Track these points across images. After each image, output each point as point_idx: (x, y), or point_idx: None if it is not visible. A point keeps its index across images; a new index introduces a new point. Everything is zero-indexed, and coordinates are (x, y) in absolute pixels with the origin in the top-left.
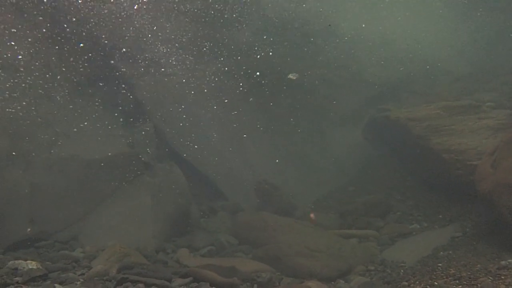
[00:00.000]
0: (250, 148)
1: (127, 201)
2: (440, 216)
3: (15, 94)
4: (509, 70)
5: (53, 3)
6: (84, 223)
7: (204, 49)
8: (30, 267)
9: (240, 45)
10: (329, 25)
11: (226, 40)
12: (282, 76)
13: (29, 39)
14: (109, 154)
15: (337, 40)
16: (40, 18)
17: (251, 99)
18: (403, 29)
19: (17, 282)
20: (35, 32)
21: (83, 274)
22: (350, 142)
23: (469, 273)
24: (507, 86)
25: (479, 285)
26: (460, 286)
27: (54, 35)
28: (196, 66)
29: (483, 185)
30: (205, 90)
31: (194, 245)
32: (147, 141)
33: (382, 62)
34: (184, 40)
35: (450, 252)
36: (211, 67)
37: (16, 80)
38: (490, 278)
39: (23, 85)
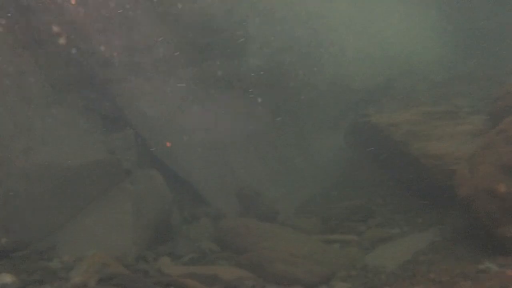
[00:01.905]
0: (231, 153)
1: (107, 209)
2: (420, 220)
3: None
4: (486, 76)
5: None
6: (62, 231)
7: (187, 53)
8: (5, 280)
9: (222, 49)
10: None
11: (209, 45)
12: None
13: (4, 43)
14: (88, 160)
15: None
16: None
17: (232, 103)
18: (383, 35)
19: None
20: (10, 35)
21: (60, 286)
22: (332, 147)
23: (448, 278)
24: (484, 91)
25: None
26: None
27: (30, 39)
28: (178, 71)
29: (461, 190)
30: (187, 95)
31: (175, 252)
32: (128, 147)
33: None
34: (166, 44)
35: (430, 256)
36: (192, 71)
37: None
38: (469, 281)
39: None
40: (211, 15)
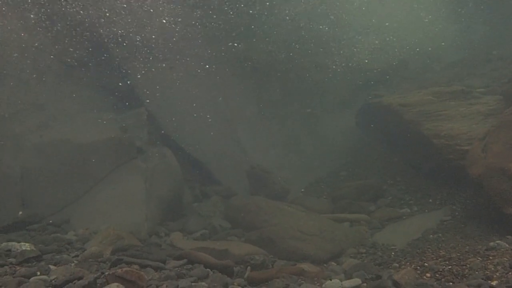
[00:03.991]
0: (242, 132)
1: (120, 185)
2: (430, 200)
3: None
4: (499, 56)
5: None
6: (76, 206)
7: (198, 33)
8: (24, 248)
9: (233, 30)
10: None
11: (220, 25)
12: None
13: (20, 21)
14: (101, 138)
15: (331, 27)
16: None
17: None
18: (396, 15)
19: (11, 263)
20: (25, 13)
21: (77, 255)
22: (343, 127)
23: (458, 254)
24: (497, 72)
25: (468, 265)
26: (450, 267)
27: (45, 17)
28: (189, 51)
29: (473, 169)
30: (198, 75)
31: (187, 229)
32: (140, 125)
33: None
34: (177, 24)
35: (440, 234)
36: (204, 51)
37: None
38: (479, 258)
39: (13, 67)
40: None
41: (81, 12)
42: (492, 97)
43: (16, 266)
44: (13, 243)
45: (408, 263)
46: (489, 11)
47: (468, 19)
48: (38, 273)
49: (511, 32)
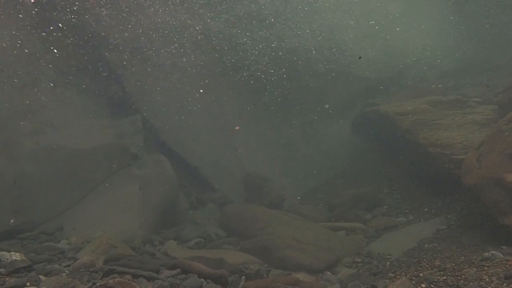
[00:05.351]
0: (239, 140)
1: (114, 192)
2: (426, 209)
3: None
4: (495, 66)
5: None
6: (70, 214)
7: (193, 40)
8: (14, 258)
9: (229, 37)
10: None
11: (216, 32)
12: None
13: (14, 27)
14: (96, 144)
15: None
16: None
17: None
18: (393, 24)
19: (1, 274)
20: (20, 20)
21: (68, 265)
22: (339, 135)
23: (453, 265)
24: (493, 82)
25: (463, 276)
26: (444, 277)
27: (40, 23)
28: (186, 58)
29: (468, 179)
30: (195, 82)
31: (182, 237)
32: (135, 132)
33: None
34: (172, 31)
35: (435, 244)
36: (200, 58)
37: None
38: (474, 269)
39: (8, 73)
40: None
41: (77, 18)
42: (487, 107)
43: (5, 277)
44: (4, 252)
45: (403, 273)
46: (487, 20)
47: (465, 29)
48: (28, 284)
49: (508, 41)
